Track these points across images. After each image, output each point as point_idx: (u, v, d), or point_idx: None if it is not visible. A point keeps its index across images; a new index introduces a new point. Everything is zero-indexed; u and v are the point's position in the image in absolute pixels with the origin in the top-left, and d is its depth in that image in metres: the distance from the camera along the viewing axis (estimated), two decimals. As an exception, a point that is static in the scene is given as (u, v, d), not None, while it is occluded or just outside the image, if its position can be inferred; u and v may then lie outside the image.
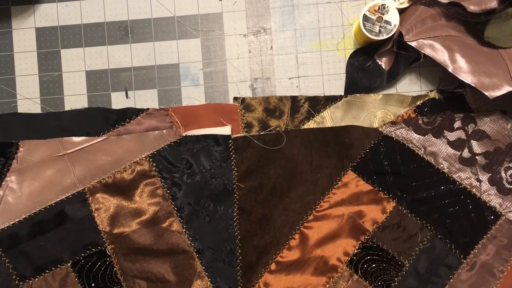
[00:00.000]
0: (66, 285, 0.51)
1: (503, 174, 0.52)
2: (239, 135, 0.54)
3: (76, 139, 0.53)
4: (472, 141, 0.52)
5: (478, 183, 0.52)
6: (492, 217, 0.51)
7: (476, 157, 0.52)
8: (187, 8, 0.56)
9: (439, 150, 0.52)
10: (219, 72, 0.56)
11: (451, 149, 0.52)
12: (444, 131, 0.53)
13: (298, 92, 0.55)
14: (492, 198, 0.51)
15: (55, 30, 0.56)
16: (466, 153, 0.52)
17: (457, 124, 0.53)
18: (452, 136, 0.53)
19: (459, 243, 0.51)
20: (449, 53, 0.49)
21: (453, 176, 0.52)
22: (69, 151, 0.53)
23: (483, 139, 0.52)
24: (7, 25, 0.56)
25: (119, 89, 0.55)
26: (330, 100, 0.54)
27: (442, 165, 0.52)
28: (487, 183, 0.52)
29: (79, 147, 0.53)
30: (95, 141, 0.53)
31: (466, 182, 0.52)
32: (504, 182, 0.52)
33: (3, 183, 0.52)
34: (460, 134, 0.52)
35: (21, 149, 0.53)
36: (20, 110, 0.55)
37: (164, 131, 0.54)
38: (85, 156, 0.53)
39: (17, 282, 0.51)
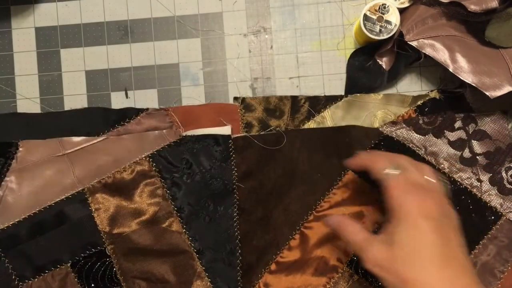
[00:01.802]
0: (65, 285, 0.51)
1: (503, 174, 0.52)
2: (239, 135, 0.54)
3: (76, 139, 0.53)
4: (472, 141, 0.52)
5: (479, 183, 0.52)
6: (492, 217, 0.51)
7: (477, 157, 0.52)
8: (187, 8, 0.56)
9: (439, 150, 0.52)
10: (219, 72, 0.55)
11: (451, 149, 0.52)
12: (445, 131, 0.52)
13: (299, 92, 0.55)
14: (493, 198, 0.51)
15: (55, 30, 0.55)
16: (466, 153, 0.52)
17: (458, 124, 0.53)
18: (452, 136, 0.52)
19: (459, 244, 0.51)
20: (449, 53, 0.49)
21: (454, 176, 0.52)
22: (69, 151, 0.53)
23: (483, 139, 0.52)
24: (7, 24, 0.56)
25: (119, 89, 0.55)
26: (331, 100, 0.54)
27: (442, 165, 0.52)
28: (488, 183, 0.52)
29: (79, 147, 0.53)
30: (95, 141, 0.53)
31: (466, 182, 0.52)
32: (505, 182, 0.51)
33: (3, 183, 0.52)
34: (461, 134, 0.52)
35: (20, 149, 0.53)
36: (20, 110, 0.55)
37: (164, 131, 0.53)
38: (85, 156, 0.53)
39: (16, 283, 0.51)
